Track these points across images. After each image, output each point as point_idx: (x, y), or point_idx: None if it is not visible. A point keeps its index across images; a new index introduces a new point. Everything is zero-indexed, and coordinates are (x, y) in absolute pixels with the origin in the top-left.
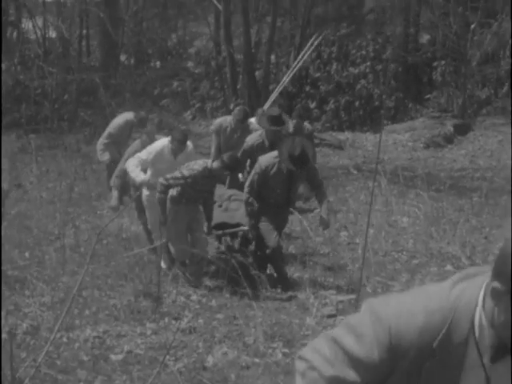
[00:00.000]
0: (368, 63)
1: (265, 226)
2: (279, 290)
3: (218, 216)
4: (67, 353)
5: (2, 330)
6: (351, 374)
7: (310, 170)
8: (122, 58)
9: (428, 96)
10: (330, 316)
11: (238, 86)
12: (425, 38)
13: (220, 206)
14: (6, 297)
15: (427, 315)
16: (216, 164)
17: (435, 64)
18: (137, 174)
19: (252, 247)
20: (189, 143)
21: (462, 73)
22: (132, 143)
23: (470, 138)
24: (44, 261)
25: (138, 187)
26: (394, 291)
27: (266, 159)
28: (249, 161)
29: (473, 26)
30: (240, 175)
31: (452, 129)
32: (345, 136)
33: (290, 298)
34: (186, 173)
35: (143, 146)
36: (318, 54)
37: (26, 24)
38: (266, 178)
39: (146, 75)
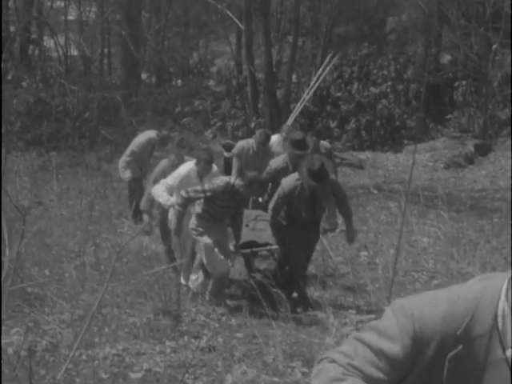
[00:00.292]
0: (389, 83)
1: (292, 246)
2: (299, 310)
3: (246, 235)
4: (86, 370)
5: (23, 347)
6: (372, 370)
7: (333, 186)
8: (144, 76)
9: (449, 116)
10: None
11: (259, 105)
12: (446, 58)
13: (247, 225)
14: (25, 314)
15: (450, 303)
16: (239, 181)
17: (456, 84)
18: (165, 199)
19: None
20: (213, 165)
21: (483, 93)
22: (153, 161)
23: (491, 158)
24: (64, 278)
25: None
26: None
27: (289, 182)
28: (270, 184)
29: (494, 47)
30: (260, 198)
31: (473, 149)
32: (365, 156)
33: (309, 318)
34: (206, 187)
35: (172, 166)
36: (340, 74)
37: (48, 42)
38: (290, 200)
39: (167, 94)
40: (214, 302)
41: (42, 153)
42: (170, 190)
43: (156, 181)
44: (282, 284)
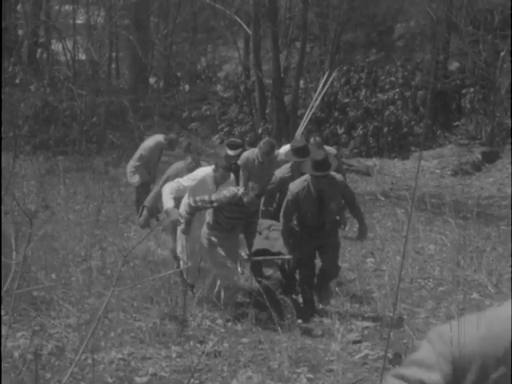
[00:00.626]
0: (397, 90)
1: (303, 252)
2: (301, 320)
3: (259, 243)
4: (92, 374)
5: (28, 351)
6: None
7: (341, 187)
8: (152, 80)
9: (456, 123)
10: (355, 342)
11: (267, 111)
12: (454, 65)
13: (260, 233)
14: (31, 318)
15: (489, 325)
16: (251, 194)
17: (464, 91)
18: (167, 200)
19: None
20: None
21: (491, 100)
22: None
23: (498, 165)
24: (70, 282)
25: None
26: (420, 318)
27: (296, 184)
28: (278, 194)
29: (502, 54)
30: (262, 206)
31: (480, 156)
32: (373, 162)
33: (315, 324)
34: (213, 197)
35: (188, 169)
36: (347, 80)
37: (56, 46)
38: (299, 202)
39: (174, 98)
40: (227, 313)
41: (50, 157)
42: (183, 191)
43: (169, 179)
44: (288, 290)
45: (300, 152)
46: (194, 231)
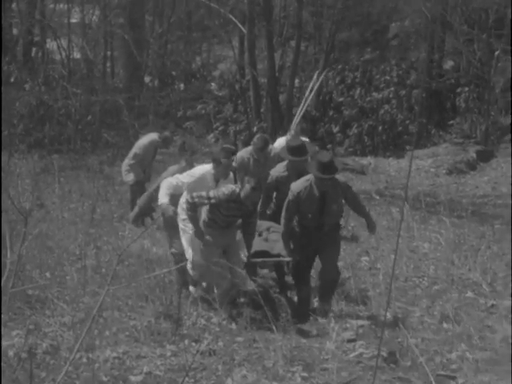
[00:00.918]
0: (392, 88)
1: (301, 253)
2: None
3: (259, 244)
4: (86, 373)
5: (23, 349)
6: None
7: (343, 187)
8: (146, 79)
9: (451, 122)
10: (350, 340)
11: (262, 110)
12: (449, 64)
13: (260, 235)
14: (26, 316)
15: None
16: (247, 186)
17: (459, 90)
18: (162, 196)
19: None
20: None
21: (486, 99)
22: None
23: (493, 164)
24: (65, 281)
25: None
26: (415, 317)
27: (298, 184)
28: (275, 194)
29: (497, 53)
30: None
31: (475, 155)
32: (367, 161)
33: (310, 322)
34: (211, 194)
35: (182, 173)
36: (342, 79)
37: (51, 45)
38: (300, 202)
39: (169, 97)
40: (221, 311)
41: (44, 155)
42: (181, 188)
43: None
44: (283, 288)
45: (296, 151)
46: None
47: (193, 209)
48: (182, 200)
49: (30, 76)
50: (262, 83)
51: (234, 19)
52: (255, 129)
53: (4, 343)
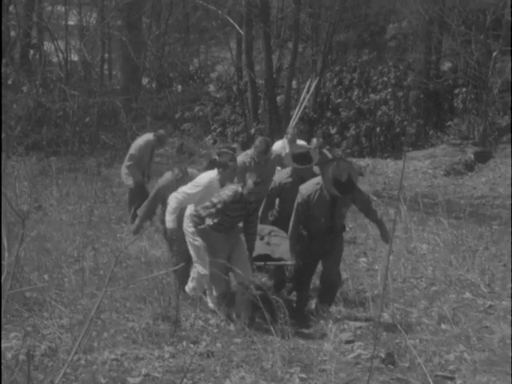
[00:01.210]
0: (389, 90)
1: (307, 257)
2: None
3: (261, 248)
4: (85, 375)
5: (21, 351)
6: None
7: (355, 193)
8: (144, 81)
9: (449, 123)
10: (347, 342)
11: (259, 111)
12: (446, 65)
13: (262, 238)
14: (24, 318)
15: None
16: (249, 182)
17: (456, 91)
18: (170, 219)
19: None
20: None
21: (484, 100)
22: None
23: (491, 165)
24: (63, 283)
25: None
26: (413, 318)
27: (307, 187)
28: (278, 200)
29: (494, 54)
30: (269, 214)
31: (472, 156)
32: (365, 162)
33: (308, 324)
34: (215, 200)
35: (177, 180)
36: (340, 80)
37: (49, 47)
38: (310, 206)
39: (167, 99)
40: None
41: (42, 158)
42: (190, 200)
43: (159, 193)
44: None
45: (301, 159)
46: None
47: (201, 222)
48: (188, 212)
49: (27, 78)
50: (260, 85)
51: (231, 21)
52: (253, 130)
53: (2, 345)
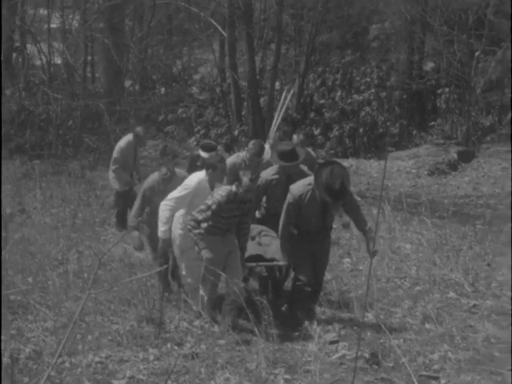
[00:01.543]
0: (372, 90)
1: (299, 258)
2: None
3: (253, 248)
4: (69, 378)
5: (5, 355)
6: None
7: (348, 194)
8: (127, 84)
9: (432, 123)
10: (332, 342)
11: (243, 113)
12: (429, 65)
13: (252, 239)
14: (8, 321)
15: None
16: (245, 179)
17: (439, 91)
18: (162, 229)
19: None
20: None
21: (466, 100)
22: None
23: (474, 165)
24: (47, 286)
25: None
26: (397, 317)
27: (298, 187)
28: (264, 197)
29: (477, 54)
30: (257, 212)
31: (456, 156)
32: (349, 163)
33: (292, 325)
34: (209, 202)
35: (163, 180)
36: (323, 81)
37: (31, 50)
38: (300, 207)
39: (150, 101)
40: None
41: (26, 161)
42: (181, 203)
43: (145, 196)
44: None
45: (287, 156)
46: (190, 251)
47: (197, 226)
48: (179, 214)
49: (10, 81)
50: (243, 86)
51: (214, 23)
52: (236, 132)
53: None
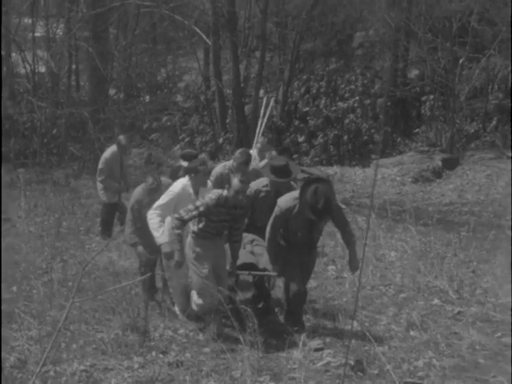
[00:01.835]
0: (356, 98)
1: (288, 268)
2: (295, 329)
3: (246, 257)
4: None
5: None
6: None
7: (334, 210)
8: (111, 92)
9: (416, 130)
10: (317, 349)
11: (227, 121)
12: (413, 72)
13: (244, 247)
14: None
15: None
16: (235, 181)
17: (424, 98)
18: (158, 235)
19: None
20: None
21: (451, 107)
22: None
23: (459, 172)
24: (32, 295)
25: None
26: (381, 325)
27: (286, 201)
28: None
29: (461, 61)
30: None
31: (440, 163)
32: (333, 170)
33: (277, 332)
34: (197, 203)
35: (150, 190)
36: (307, 89)
37: (16, 58)
38: (287, 220)
39: (135, 110)
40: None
41: (10, 169)
42: (168, 209)
43: (134, 211)
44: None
45: (279, 172)
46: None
47: (181, 227)
48: (168, 219)
49: None
50: (228, 94)
51: (198, 31)
52: (221, 140)
53: None
